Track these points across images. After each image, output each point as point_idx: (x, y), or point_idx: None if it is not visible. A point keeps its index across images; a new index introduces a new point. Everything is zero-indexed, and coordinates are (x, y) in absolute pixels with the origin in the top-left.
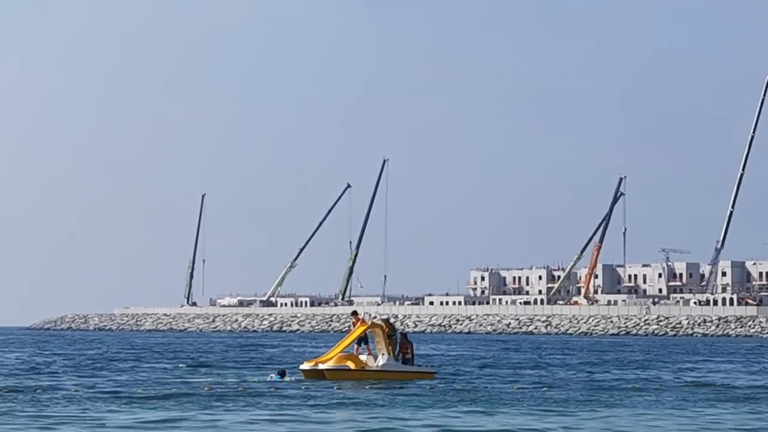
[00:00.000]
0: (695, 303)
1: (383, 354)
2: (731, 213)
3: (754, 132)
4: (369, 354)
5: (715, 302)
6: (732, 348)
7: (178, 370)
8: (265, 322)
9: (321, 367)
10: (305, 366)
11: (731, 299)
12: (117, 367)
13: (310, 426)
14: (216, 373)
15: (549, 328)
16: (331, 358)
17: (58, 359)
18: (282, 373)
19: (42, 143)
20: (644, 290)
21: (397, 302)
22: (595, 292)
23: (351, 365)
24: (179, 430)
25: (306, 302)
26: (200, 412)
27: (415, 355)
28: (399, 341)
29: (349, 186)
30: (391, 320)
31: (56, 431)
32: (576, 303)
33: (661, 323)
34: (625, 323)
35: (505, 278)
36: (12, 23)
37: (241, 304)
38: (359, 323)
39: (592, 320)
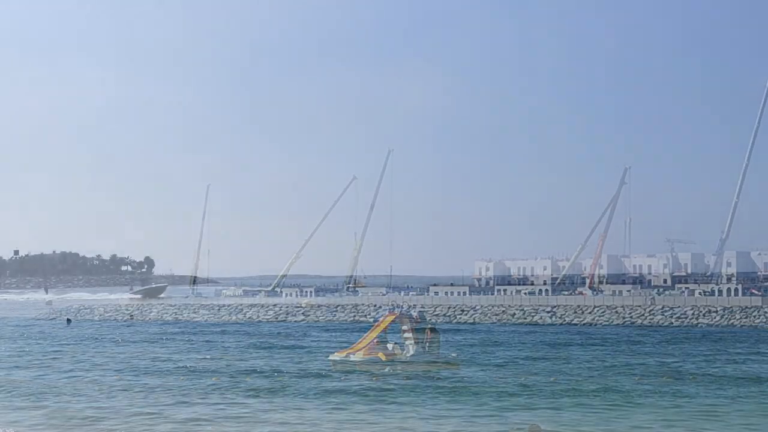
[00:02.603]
0: (700, 293)
1: (411, 345)
2: (736, 203)
3: (759, 122)
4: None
5: (720, 293)
6: None
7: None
8: (270, 312)
9: (353, 357)
10: (335, 356)
11: (736, 290)
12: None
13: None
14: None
15: (554, 318)
16: (362, 349)
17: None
18: None
19: (46, 133)
20: (649, 281)
21: (402, 292)
22: (600, 282)
23: (382, 356)
24: None
25: (311, 292)
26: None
27: (439, 344)
28: (426, 332)
29: (355, 178)
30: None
31: None
32: (581, 293)
33: (665, 313)
34: (629, 313)
35: (510, 269)
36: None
37: (245, 294)
38: (387, 315)
39: (597, 310)
